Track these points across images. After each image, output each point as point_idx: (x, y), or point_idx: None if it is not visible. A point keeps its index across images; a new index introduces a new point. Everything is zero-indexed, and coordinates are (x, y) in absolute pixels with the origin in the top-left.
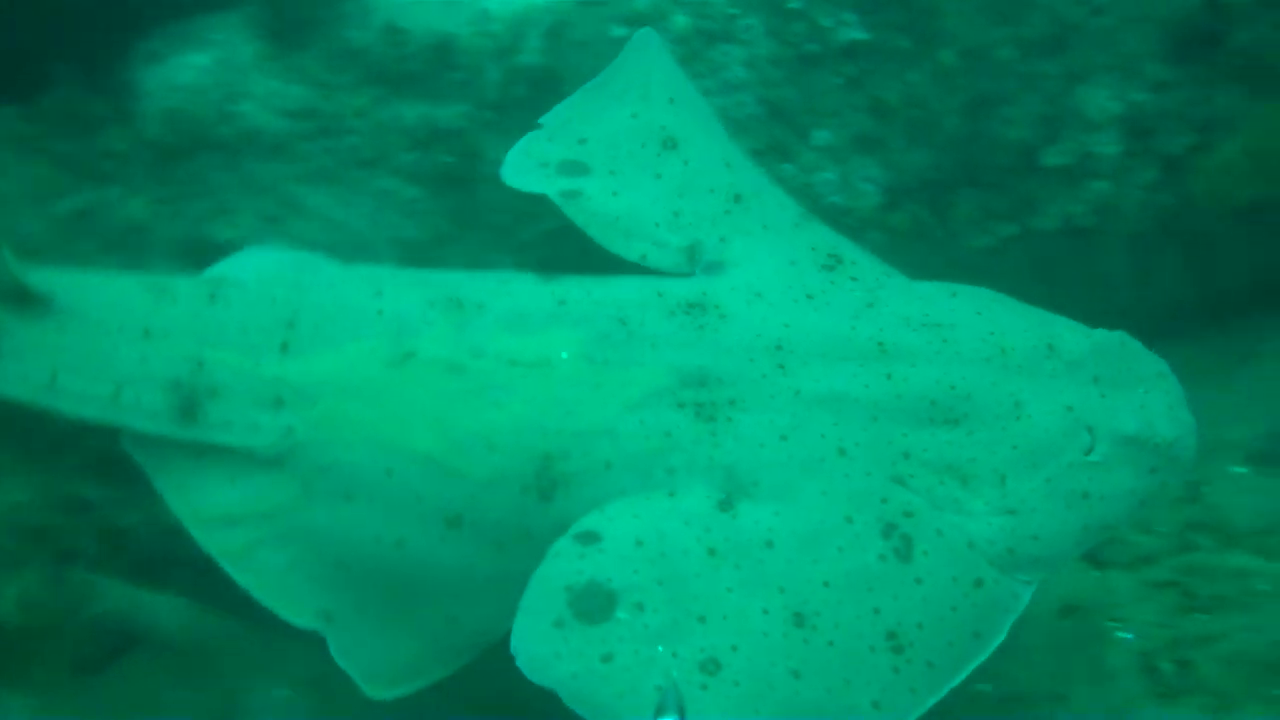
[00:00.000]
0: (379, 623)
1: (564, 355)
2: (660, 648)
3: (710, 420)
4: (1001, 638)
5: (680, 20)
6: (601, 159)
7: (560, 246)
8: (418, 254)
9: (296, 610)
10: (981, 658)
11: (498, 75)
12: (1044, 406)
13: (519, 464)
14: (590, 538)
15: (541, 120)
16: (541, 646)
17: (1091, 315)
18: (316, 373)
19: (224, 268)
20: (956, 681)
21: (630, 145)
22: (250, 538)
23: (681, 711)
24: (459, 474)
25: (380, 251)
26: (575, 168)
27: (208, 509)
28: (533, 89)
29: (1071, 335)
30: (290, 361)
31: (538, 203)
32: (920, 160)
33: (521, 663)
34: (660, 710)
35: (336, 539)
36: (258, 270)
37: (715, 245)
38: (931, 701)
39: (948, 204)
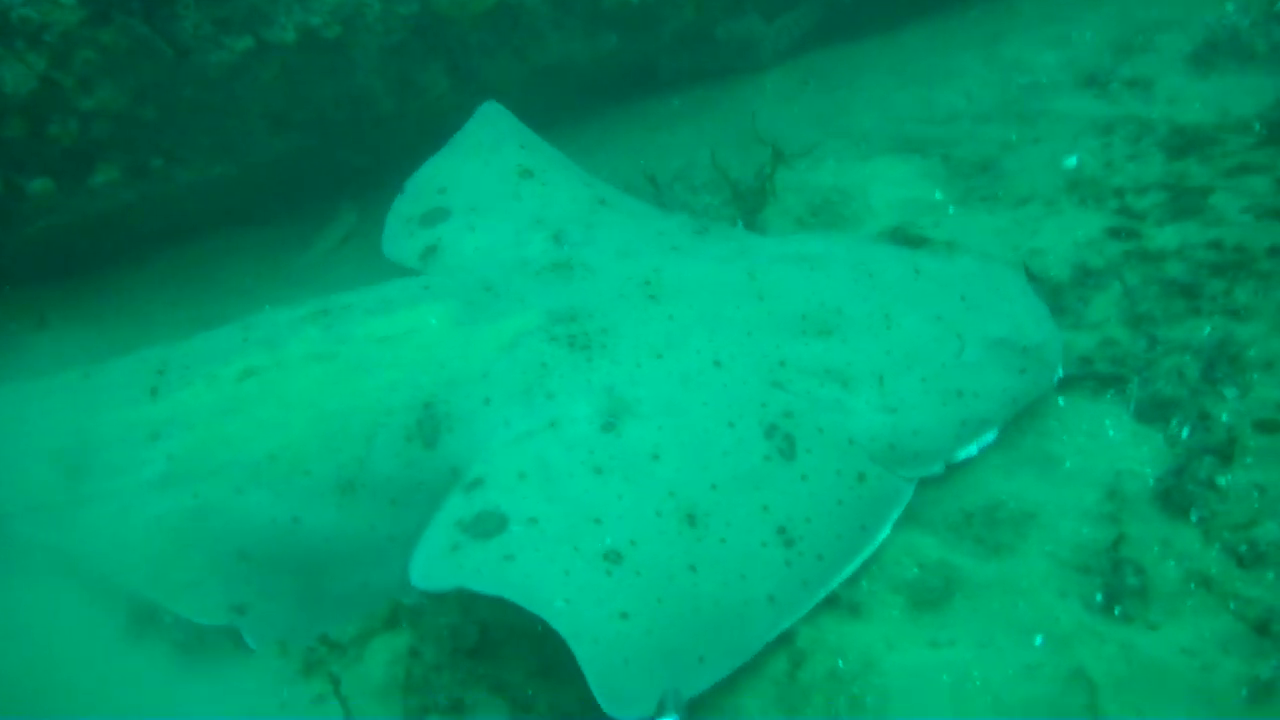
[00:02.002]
0: (293, 604)
1: (432, 322)
2: (561, 545)
3: (585, 348)
4: (887, 531)
5: None
6: (460, 198)
7: None
8: None
9: (207, 612)
10: (870, 548)
11: None
12: (914, 317)
13: (399, 418)
14: (474, 479)
15: (406, 184)
16: (440, 569)
17: None
18: (189, 400)
19: None
20: (846, 574)
21: (486, 182)
22: (152, 552)
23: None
24: (342, 441)
25: None
26: (435, 215)
27: (104, 544)
28: None
29: (935, 261)
30: (162, 400)
31: None
32: None
33: (421, 584)
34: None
35: (234, 532)
36: None
37: (582, 230)
38: (824, 592)
39: (169, 16)
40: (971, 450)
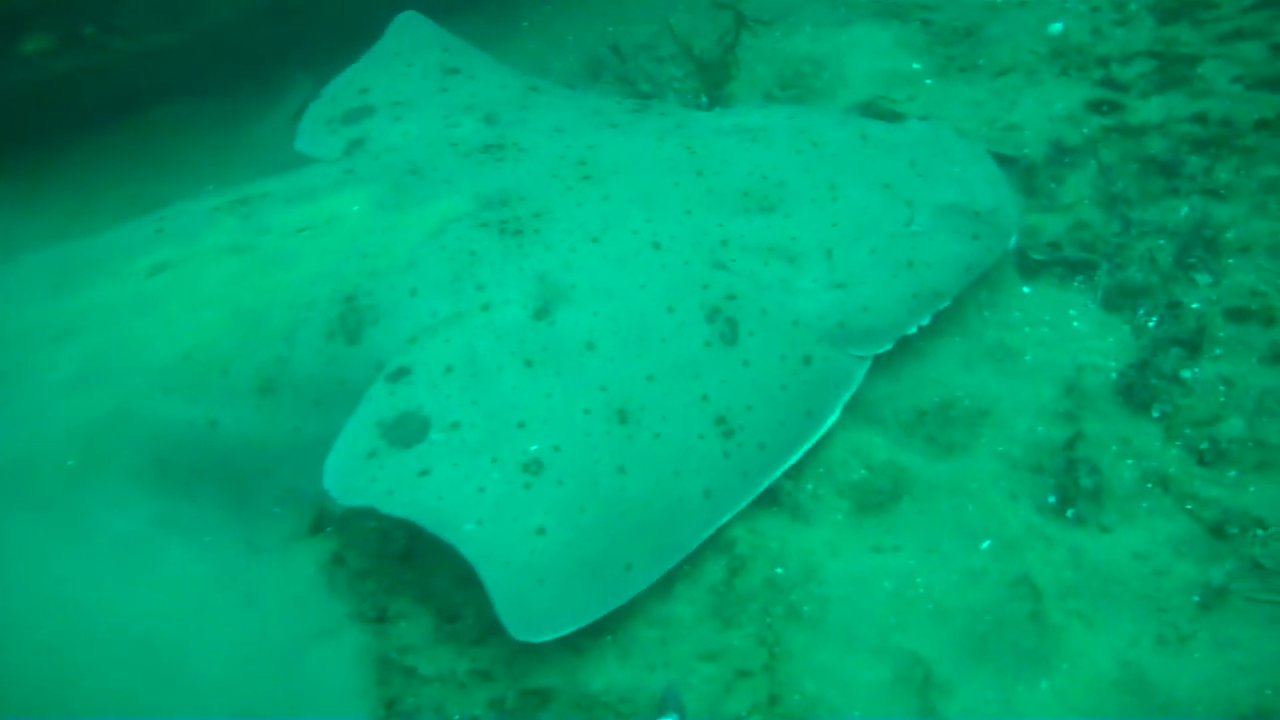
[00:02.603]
0: (218, 511)
1: (355, 209)
2: (479, 456)
3: (517, 234)
4: (835, 415)
5: None
6: (384, 96)
7: None
8: None
9: (132, 522)
10: (815, 436)
11: None
12: (860, 187)
13: (319, 313)
14: (400, 373)
15: (323, 90)
16: (356, 477)
17: None
18: (97, 298)
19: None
20: (790, 461)
21: (410, 81)
22: (68, 459)
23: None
24: (258, 339)
25: None
26: (359, 111)
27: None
28: None
29: (882, 127)
30: (69, 298)
31: None
32: None
33: (335, 494)
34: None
35: (150, 438)
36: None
37: (515, 112)
38: (765, 483)
39: None
40: (924, 321)
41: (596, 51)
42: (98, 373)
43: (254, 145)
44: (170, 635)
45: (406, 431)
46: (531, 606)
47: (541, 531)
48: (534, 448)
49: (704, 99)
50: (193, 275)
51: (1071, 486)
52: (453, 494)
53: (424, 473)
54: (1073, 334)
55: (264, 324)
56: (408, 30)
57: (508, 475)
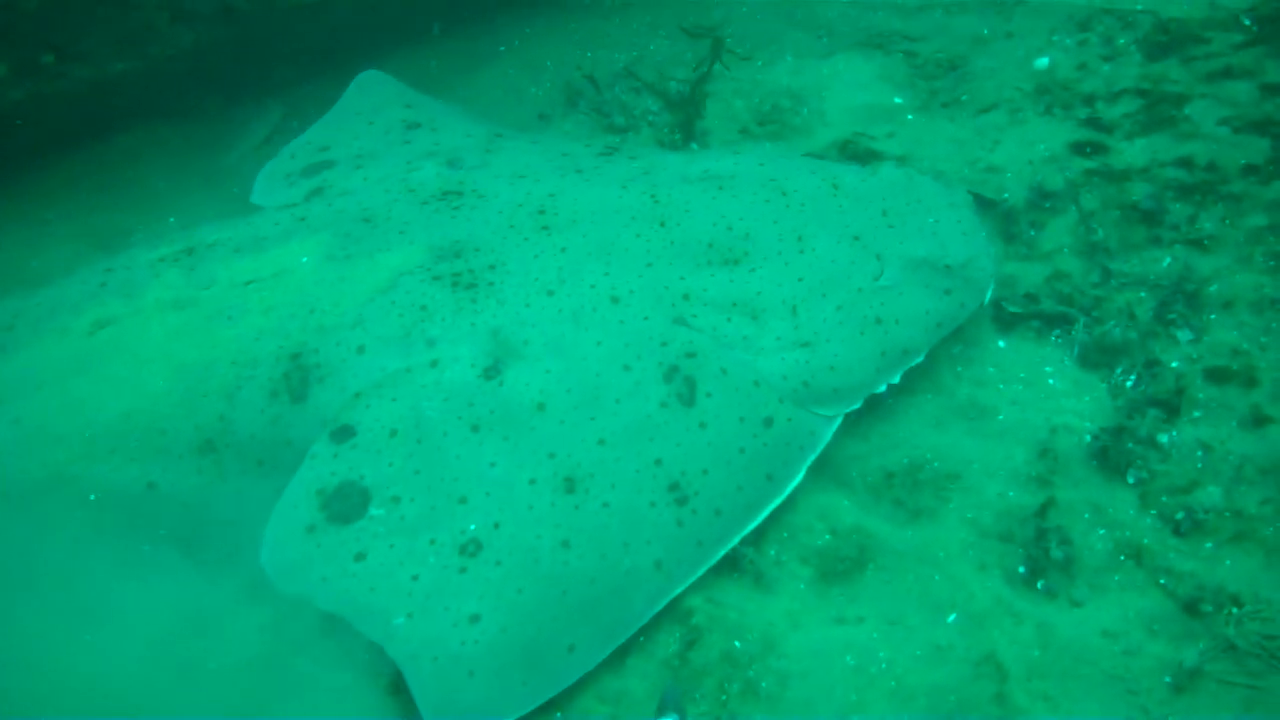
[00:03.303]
0: (163, 577)
1: (304, 260)
2: (417, 538)
3: (470, 288)
4: (798, 478)
5: None
6: (345, 151)
7: None
8: None
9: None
10: (776, 501)
11: None
12: (829, 239)
13: (263, 370)
14: (345, 433)
15: (281, 150)
16: (293, 553)
17: None
18: (37, 357)
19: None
20: (749, 529)
21: (372, 137)
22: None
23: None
24: (199, 397)
25: None
26: (319, 166)
27: None
28: None
29: (855, 175)
30: (10, 357)
31: None
32: None
33: (273, 572)
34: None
35: (84, 503)
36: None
37: (479, 156)
38: (720, 552)
39: None
40: (894, 379)
41: (574, 80)
42: (35, 435)
43: (220, 174)
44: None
45: (346, 505)
46: (458, 702)
47: (475, 619)
48: (473, 526)
49: (678, 136)
50: (135, 332)
51: (1042, 557)
52: (386, 582)
53: (360, 556)
54: (1048, 392)
55: (205, 382)
56: (369, 89)
57: (443, 559)
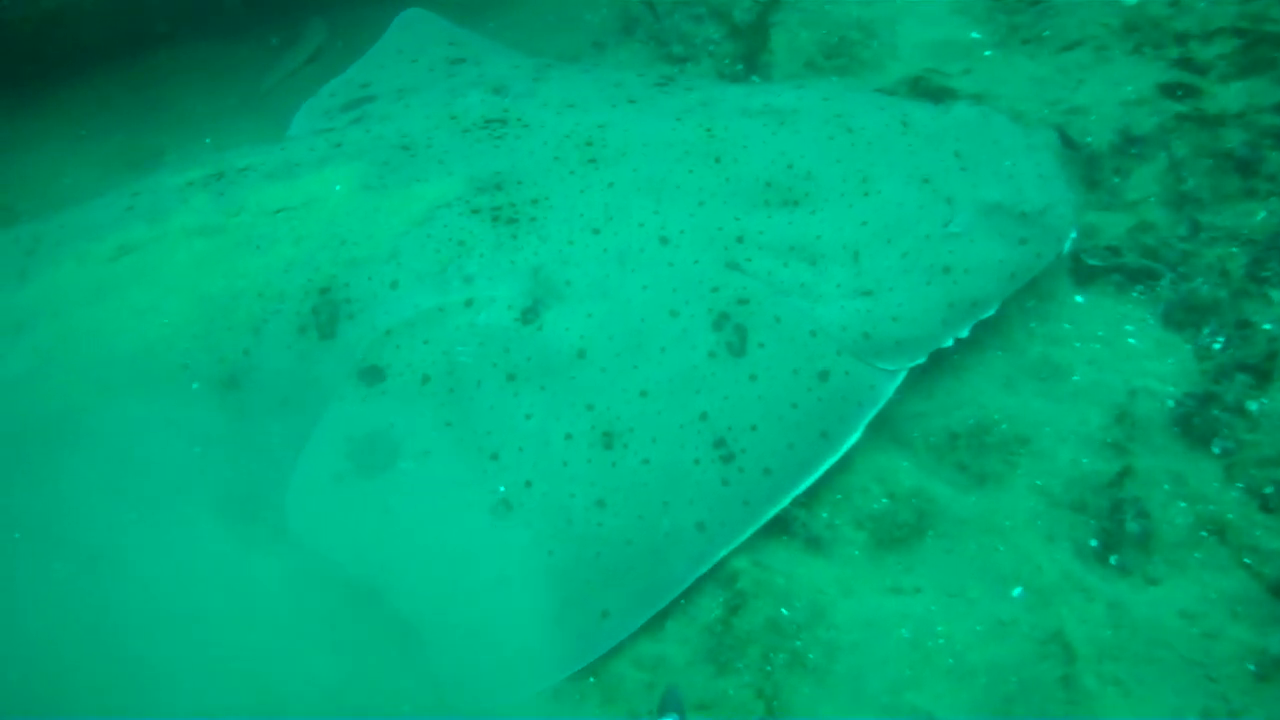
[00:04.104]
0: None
1: (337, 188)
2: (441, 500)
3: (511, 222)
4: (855, 436)
5: None
6: (387, 87)
7: None
8: None
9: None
10: (830, 459)
11: None
12: (896, 180)
13: (291, 304)
14: (375, 375)
15: (324, 88)
16: (319, 502)
17: None
18: (57, 283)
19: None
20: (799, 489)
21: (415, 73)
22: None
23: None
24: (224, 329)
25: None
26: (359, 100)
27: None
28: None
29: (926, 112)
30: (30, 284)
31: None
32: None
33: (297, 521)
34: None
35: (106, 437)
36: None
37: (527, 84)
38: (770, 513)
39: None
40: (962, 333)
41: (631, 5)
42: (54, 365)
43: (259, 96)
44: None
45: (375, 456)
46: (488, 673)
47: (501, 584)
48: (502, 488)
49: (739, 67)
50: (159, 259)
51: (1116, 530)
52: (412, 548)
53: (387, 513)
54: (1128, 352)
55: (230, 314)
56: (411, 27)
57: (473, 522)
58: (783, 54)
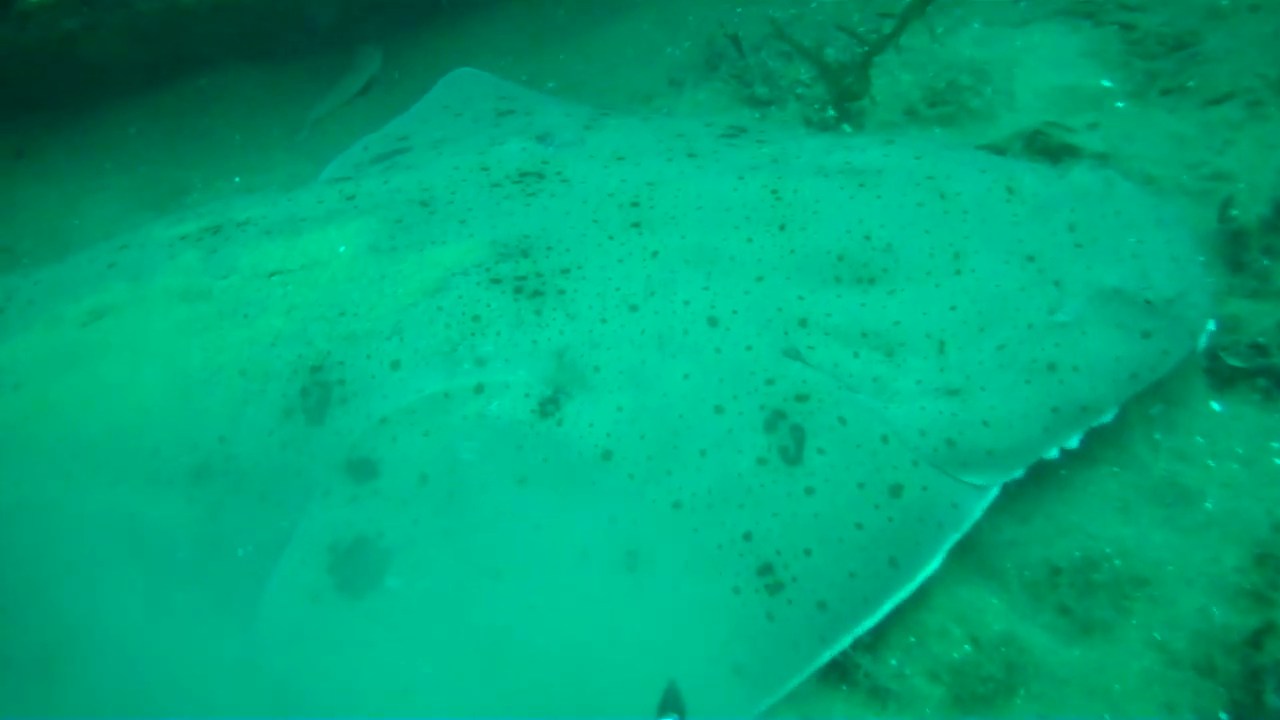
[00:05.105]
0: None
1: (341, 250)
2: (432, 626)
3: (535, 295)
4: (934, 565)
5: None
6: (424, 139)
7: None
8: None
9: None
10: (901, 594)
11: None
12: (994, 258)
13: (276, 384)
14: (367, 471)
15: (358, 142)
16: (293, 625)
17: None
18: (22, 349)
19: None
20: (862, 629)
21: (458, 125)
22: None
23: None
24: (199, 412)
25: None
26: (393, 153)
27: None
28: None
29: (1037, 177)
30: None
31: None
32: None
33: (267, 640)
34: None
35: (58, 535)
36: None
37: (577, 131)
38: (824, 656)
39: None
40: (1070, 443)
41: (716, 39)
42: (6, 446)
43: (306, 127)
44: None
45: (359, 570)
46: None
47: None
48: (499, 615)
49: (830, 113)
50: (135, 325)
51: (1253, 704)
52: (388, 681)
53: (367, 644)
54: (1274, 476)
55: (208, 393)
56: (459, 84)
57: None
58: (880, 99)
